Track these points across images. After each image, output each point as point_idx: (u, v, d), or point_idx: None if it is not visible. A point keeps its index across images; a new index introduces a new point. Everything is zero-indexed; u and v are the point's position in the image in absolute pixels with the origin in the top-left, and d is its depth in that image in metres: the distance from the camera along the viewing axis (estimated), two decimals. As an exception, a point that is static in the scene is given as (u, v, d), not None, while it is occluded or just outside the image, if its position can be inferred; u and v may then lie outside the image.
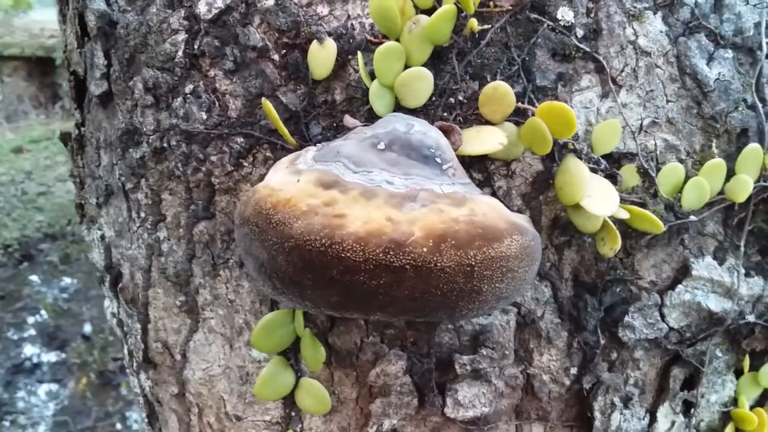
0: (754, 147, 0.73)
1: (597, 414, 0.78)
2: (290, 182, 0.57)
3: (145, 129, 0.80)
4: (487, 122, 0.68)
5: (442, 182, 0.58)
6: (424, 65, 0.67)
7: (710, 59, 0.73)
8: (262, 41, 0.71)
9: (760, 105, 0.74)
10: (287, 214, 0.55)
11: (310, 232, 0.53)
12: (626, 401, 0.79)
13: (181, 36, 0.76)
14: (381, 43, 0.68)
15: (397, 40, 0.66)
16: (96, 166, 0.90)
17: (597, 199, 0.67)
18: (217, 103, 0.75)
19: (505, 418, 0.79)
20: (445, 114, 0.68)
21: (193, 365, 0.83)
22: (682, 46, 0.72)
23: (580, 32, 0.69)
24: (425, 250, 0.53)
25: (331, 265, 0.53)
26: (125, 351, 0.98)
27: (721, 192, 0.75)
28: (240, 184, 0.75)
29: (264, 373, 0.74)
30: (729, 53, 0.73)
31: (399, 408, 0.76)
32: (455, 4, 0.64)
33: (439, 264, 0.53)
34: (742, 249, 0.78)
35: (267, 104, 0.65)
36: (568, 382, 0.78)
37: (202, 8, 0.74)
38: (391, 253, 0.52)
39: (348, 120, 0.66)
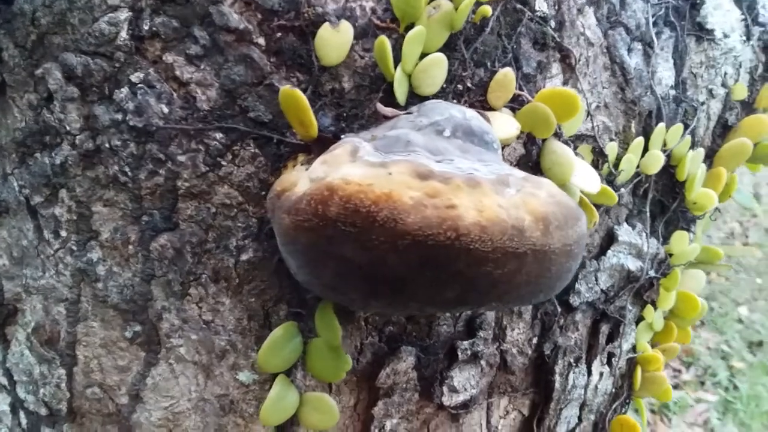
0: (661, 127, 0.86)
1: (557, 377, 0.85)
2: (379, 175, 0.52)
3: (67, 127, 0.66)
4: (490, 108, 0.69)
5: (510, 167, 0.59)
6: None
7: (629, 50, 0.83)
8: (242, 22, 0.63)
9: (657, 91, 0.87)
10: (394, 210, 0.50)
11: (429, 227, 0.50)
12: (577, 361, 0.87)
13: (124, 14, 0.64)
14: (389, 28, 0.65)
15: (412, 25, 0.64)
16: (-27, 179, 0.70)
17: (582, 177, 0.73)
18: (175, 94, 0.64)
19: (482, 397, 0.81)
20: (454, 101, 0.68)
21: (149, 406, 0.70)
22: (611, 38, 0.81)
23: (552, 23, 0.74)
24: (539, 233, 0.53)
25: (458, 258, 0.50)
26: (3, 408, 0.78)
27: (637, 166, 0.86)
28: (215, 186, 0.66)
29: (271, 396, 0.66)
30: (639, 45, 0.85)
31: (401, 406, 0.74)
32: (472, -10, 0.64)
33: (551, 246, 0.53)
34: (648, 215, 0.91)
35: (295, 92, 0.57)
36: (530, 352, 0.84)
37: (159, -18, 0.62)
38: (516, 239, 0.51)
39: (382, 108, 0.62)
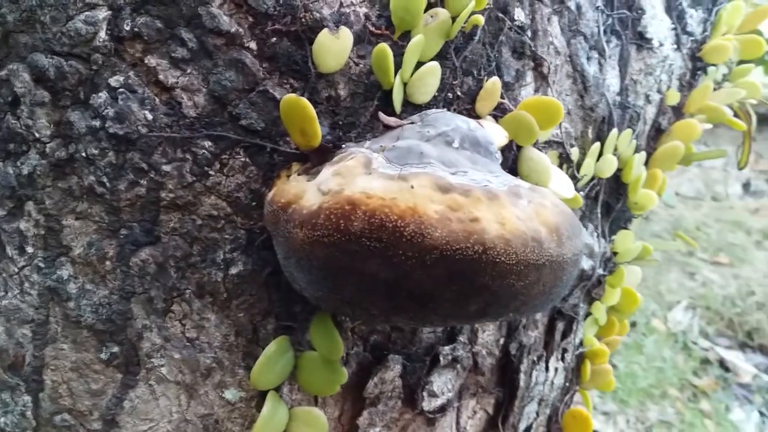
0: (614, 132, 0.90)
1: (522, 375, 0.87)
2: (401, 188, 0.51)
3: (36, 134, 0.60)
4: (476, 116, 0.70)
5: (515, 177, 0.59)
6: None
7: (588, 58, 0.86)
8: (233, 25, 0.60)
9: (608, 98, 0.91)
10: (421, 224, 0.50)
11: (456, 241, 0.50)
12: (539, 359, 0.90)
13: (102, 12, 0.59)
14: (383, 34, 0.64)
15: (407, 32, 0.63)
16: None
17: (558, 183, 0.75)
18: (157, 100, 0.61)
19: (456, 399, 0.82)
20: (444, 109, 0.68)
21: (125, 430, 0.66)
22: (573, 47, 0.84)
23: (528, 32, 0.75)
24: (554, 244, 0.54)
25: (484, 272, 0.50)
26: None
27: (591, 170, 0.90)
28: (202, 197, 0.62)
29: (264, 414, 0.63)
30: (595, 54, 0.88)
31: (384, 414, 0.73)
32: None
33: (564, 256, 0.55)
34: (599, 216, 0.95)
35: (300, 101, 0.55)
36: (497, 353, 0.85)
37: (143, -21, 0.58)
38: (536, 251, 0.52)
39: (385, 118, 0.61)
